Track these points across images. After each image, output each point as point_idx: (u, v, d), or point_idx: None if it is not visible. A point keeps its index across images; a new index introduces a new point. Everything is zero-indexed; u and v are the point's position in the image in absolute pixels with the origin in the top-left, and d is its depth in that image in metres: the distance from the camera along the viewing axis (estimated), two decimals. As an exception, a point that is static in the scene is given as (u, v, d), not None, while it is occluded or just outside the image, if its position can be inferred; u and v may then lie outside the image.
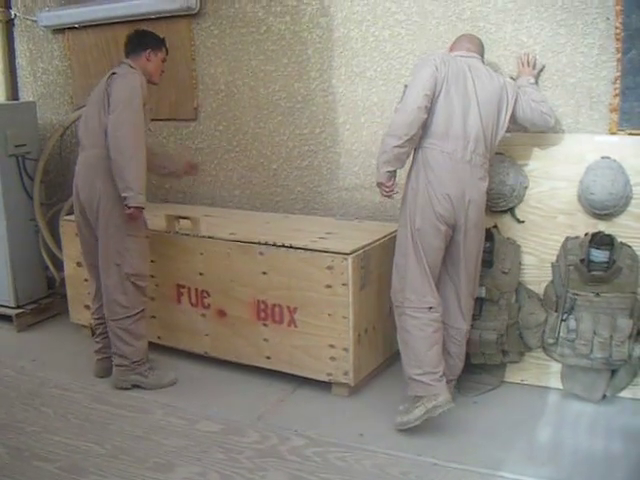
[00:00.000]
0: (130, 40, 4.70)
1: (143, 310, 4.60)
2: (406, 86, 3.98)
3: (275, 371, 4.59)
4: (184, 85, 5.84)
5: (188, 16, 5.72)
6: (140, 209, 4.38)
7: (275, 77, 5.46)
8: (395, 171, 3.96)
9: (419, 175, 3.96)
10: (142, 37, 4.73)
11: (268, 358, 4.58)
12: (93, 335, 4.87)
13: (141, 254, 4.56)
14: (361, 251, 4.30)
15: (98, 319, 4.75)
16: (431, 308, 3.95)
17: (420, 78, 3.88)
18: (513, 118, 4.14)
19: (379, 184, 3.98)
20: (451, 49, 4.27)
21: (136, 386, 4.58)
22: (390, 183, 3.95)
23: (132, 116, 4.35)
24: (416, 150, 3.99)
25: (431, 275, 3.97)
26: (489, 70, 4.13)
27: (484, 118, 3.95)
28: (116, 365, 4.60)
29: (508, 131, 4.28)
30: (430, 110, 3.88)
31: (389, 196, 4.04)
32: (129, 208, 4.31)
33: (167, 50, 4.79)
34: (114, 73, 4.49)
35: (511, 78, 4.42)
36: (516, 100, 4.10)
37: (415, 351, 3.94)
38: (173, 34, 5.74)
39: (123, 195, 4.30)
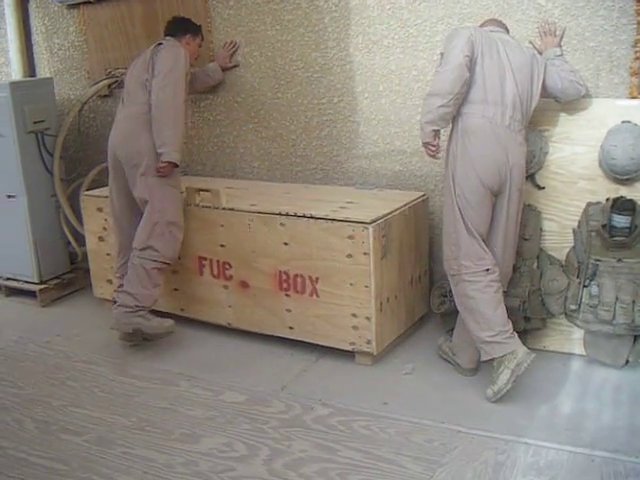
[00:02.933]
0: (172, 24, 5.07)
1: (169, 264, 4.76)
2: (442, 54, 3.99)
3: (298, 341, 4.61)
4: (201, 57, 5.80)
5: (204, -13, 5.68)
6: (173, 165, 4.63)
7: (292, 47, 5.43)
8: (439, 130, 3.97)
9: (460, 142, 3.95)
10: (183, 22, 5.10)
11: (291, 328, 4.60)
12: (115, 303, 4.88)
13: (179, 205, 4.80)
14: (382, 220, 4.29)
15: (121, 277, 4.88)
16: (488, 270, 3.95)
17: (458, 41, 3.85)
18: (544, 88, 4.13)
19: (425, 144, 3.98)
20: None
21: (137, 329, 4.69)
22: (436, 142, 3.96)
23: (174, 81, 4.65)
24: (455, 118, 3.97)
25: (481, 238, 3.98)
26: (518, 43, 4.15)
27: (519, 85, 3.95)
28: (120, 305, 4.67)
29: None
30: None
31: (434, 156, 4.04)
32: (163, 163, 4.57)
33: (203, 37, 5.22)
34: (160, 44, 4.82)
35: (533, 47, 4.40)
36: (545, 70, 4.10)
37: (482, 314, 3.94)
38: (189, 6, 5.76)
39: (159, 151, 4.57)
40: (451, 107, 3.86)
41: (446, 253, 4.08)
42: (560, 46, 4.34)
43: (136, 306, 4.62)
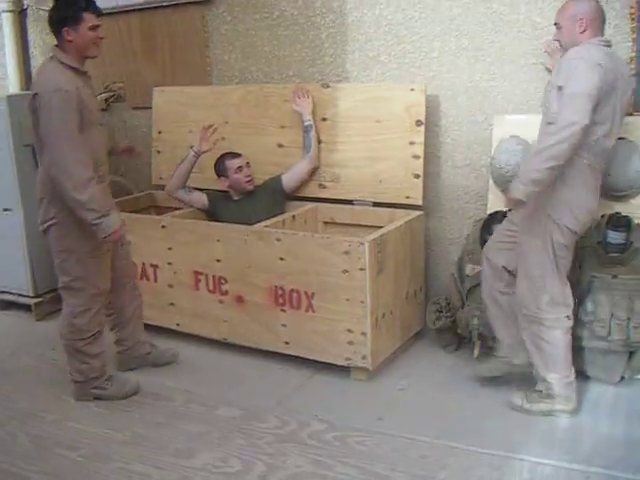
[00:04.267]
0: (48, 22, 4.04)
1: (99, 331, 4.31)
2: (560, 87, 3.58)
3: (293, 356, 4.60)
4: (198, 72, 5.85)
5: (201, 3, 5.73)
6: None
7: (289, 62, 5.46)
8: None
9: (563, 189, 3.72)
10: (52, 17, 4.00)
11: (286, 343, 4.59)
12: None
13: (100, 272, 4.22)
14: (378, 236, 4.30)
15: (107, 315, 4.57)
16: (568, 317, 3.88)
17: (587, 87, 3.50)
18: None
19: (518, 201, 3.64)
20: (586, 28, 3.71)
21: (98, 398, 4.38)
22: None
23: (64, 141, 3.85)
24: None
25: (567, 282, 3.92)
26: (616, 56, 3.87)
27: (620, 120, 3.80)
28: (73, 380, 4.38)
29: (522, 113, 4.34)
30: None
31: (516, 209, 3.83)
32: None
33: (96, 11, 4.01)
34: (36, 94, 3.88)
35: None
36: None
37: (554, 358, 3.88)
38: (186, 21, 5.83)
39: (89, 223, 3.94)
40: (562, 167, 3.62)
41: (524, 292, 3.90)
42: None
43: (88, 379, 4.35)
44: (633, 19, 4.29)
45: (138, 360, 4.71)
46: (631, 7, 4.28)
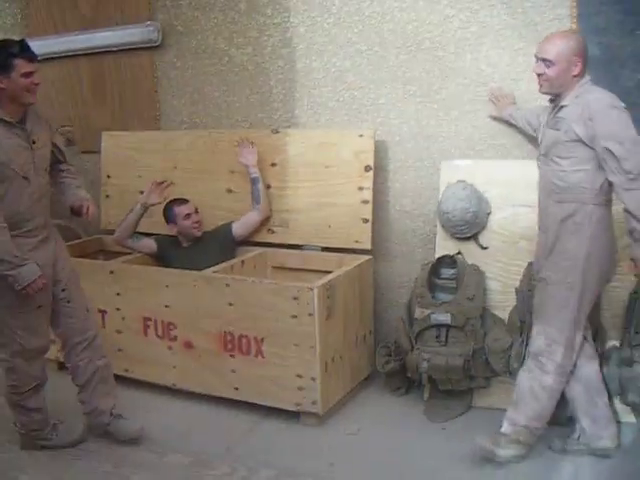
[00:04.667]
0: None
1: (37, 385, 4.11)
2: (621, 143, 3.40)
3: (243, 402, 4.57)
4: (147, 117, 5.85)
5: (150, 48, 5.74)
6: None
7: (238, 108, 5.50)
8: None
9: (598, 236, 3.61)
10: None
11: (236, 389, 4.56)
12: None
13: (26, 330, 3.96)
14: (327, 281, 4.32)
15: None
16: (572, 370, 3.83)
17: (629, 123, 3.48)
18: None
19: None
20: (581, 70, 3.62)
21: (44, 447, 4.27)
22: None
23: None
24: (589, 207, 3.59)
25: None
26: None
27: None
28: (18, 431, 4.26)
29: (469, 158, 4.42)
30: None
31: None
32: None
33: (30, 55, 3.71)
34: None
35: None
36: None
37: (544, 408, 3.81)
38: (135, 67, 5.84)
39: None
40: None
41: (539, 339, 3.80)
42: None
43: (30, 430, 4.23)
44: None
45: (96, 429, 4.37)
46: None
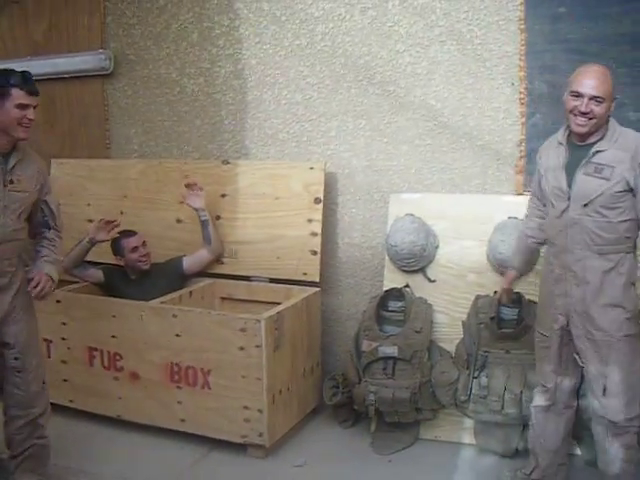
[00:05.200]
0: None
1: None
2: None
3: (190, 434, 4.52)
4: (97, 145, 5.82)
5: (102, 76, 5.73)
6: None
7: (188, 138, 5.51)
8: None
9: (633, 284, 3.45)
10: None
11: (182, 421, 4.51)
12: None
13: None
14: (274, 313, 4.30)
15: None
16: None
17: None
18: None
19: None
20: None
21: None
22: None
23: None
24: (630, 255, 3.41)
25: None
26: None
27: None
28: None
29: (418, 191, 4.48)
30: None
31: None
32: None
33: (30, 88, 3.53)
34: None
35: None
36: None
37: None
38: (87, 94, 5.84)
39: None
40: None
41: (630, 406, 3.42)
42: None
43: None
44: (522, 104, 4.48)
45: None
46: (520, 92, 4.47)
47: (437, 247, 4.57)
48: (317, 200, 4.88)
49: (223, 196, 5.21)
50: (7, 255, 3.63)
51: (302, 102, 5.07)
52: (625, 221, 3.32)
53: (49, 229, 3.87)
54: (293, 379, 4.56)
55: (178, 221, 5.36)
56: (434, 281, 4.57)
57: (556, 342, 3.55)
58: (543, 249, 3.78)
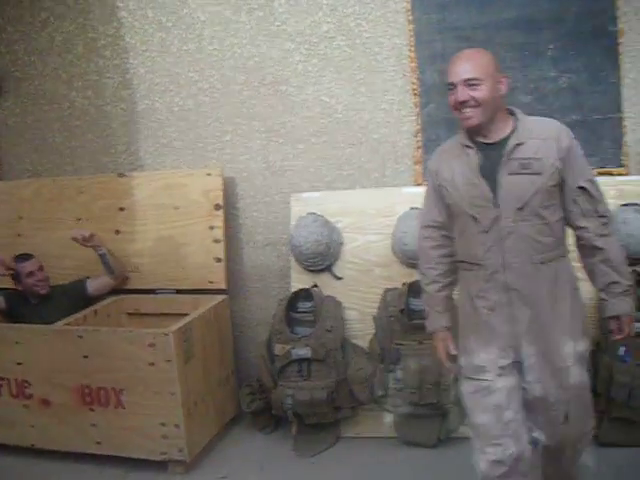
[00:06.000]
0: None
1: None
2: (592, 182, 2.92)
3: (108, 456, 4.41)
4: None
5: (-13, 95, 5.55)
6: None
7: (82, 153, 5.38)
8: None
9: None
10: None
11: (98, 443, 4.39)
12: None
13: None
14: (182, 325, 4.23)
15: None
16: None
17: None
18: None
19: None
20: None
21: None
22: None
23: None
24: (566, 259, 3.03)
25: None
26: None
27: None
28: None
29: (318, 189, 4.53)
30: None
31: None
32: None
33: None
34: None
35: None
36: None
37: None
38: (-29, 116, 5.61)
39: None
40: None
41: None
42: None
43: None
44: (416, 94, 4.50)
45: None
46: (412, 83, 4.48)
47: (341, 244, 4.57)
48: (217, 206, 4.83)
49: (121, 209, 5.11)
50: None
51: (194, 108, 5.01)
52: (559, 220, 2.93)
53: None
54: (208, 390, 4.49)
55: (75, 240, 5.20)
56: (341, 278, 4.56)
57: (506, 382, 2.96)
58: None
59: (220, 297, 4.81)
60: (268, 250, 4.99)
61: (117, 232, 5.10)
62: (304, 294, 4.55)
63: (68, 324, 4.50)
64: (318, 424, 4.40)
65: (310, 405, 4.27)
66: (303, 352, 4.29)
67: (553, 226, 2.89)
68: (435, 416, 4.24)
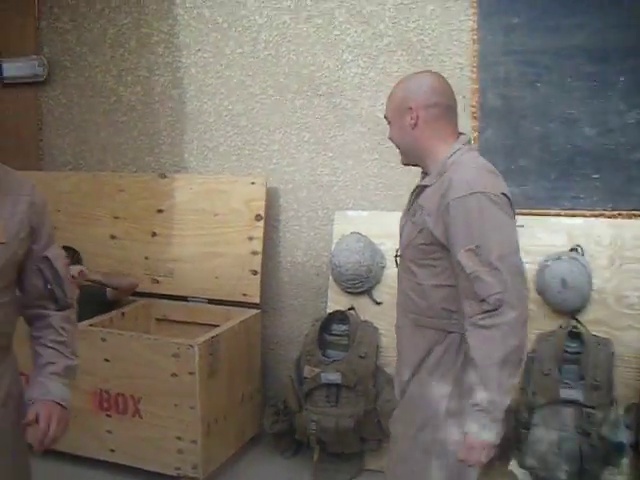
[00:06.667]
0: None
1: None
2: (478, 254, 2.33)
3: (120, 465, 4.28)
4: (29, 156, 5.55)
5: (35, 83, 5.48)
6: None
7: (125, 150, 5.28)
8: None
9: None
10: None
11: (112, 451, 4.26)
12: None
13: None
14: (209, 338, 4.08)
15: None
16: None
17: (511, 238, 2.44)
18: None
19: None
20: (433, 131, 2.55)
21: None
22: None
23: None
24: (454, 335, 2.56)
25: None
26: None
27: None
28: None
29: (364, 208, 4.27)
30: None
31: None
32: None
33: None
34: None
35: None
36: None
37: None
38: (20, 102, 5.57)
39: None
40: None
41: None
42: None
43: None
44: (475, 118, 4.31)
45: None
46: (472, 106, 4.30)
47: (384, 267, 4.38)
48: (258, 217, 4.68)
49: (160, 211, 4.98)
50: None
51: (244, 113, 4.86)
52: (439, 287, 2.48)
53: (55, 305, 2.41)
54: (230, 406, 4.33)
55: (112, 237, 5.11)
56: (380, 303, 4.37)
57: None
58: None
59: (252, 311, 4.66)
60: (307, 267, 4.82)
61: (154, 234, 4.97)
62: (340, 316, 4.37)
63: (92, 325, 4.38)
64: (341, 453, 4.22)
65: (335, 433, 4.09)
66: (333, 377, 4.12)
67: (427, 290, 2.50)
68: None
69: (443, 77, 2.64)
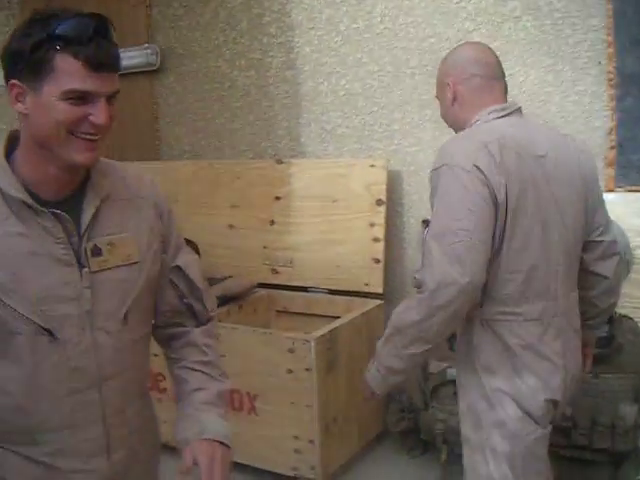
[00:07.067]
0: None
1: None
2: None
3: (235, 463, 4.11)
4: (147, 146, 5.48)
5: (149, 72, 5.42)
6: None
7: (241, 136, 5.15)
8: None
9: None
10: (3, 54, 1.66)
11: (228, 448, 4.11)
12: None
13: None
14: (327, 332, 3.88)
15: None
16: None
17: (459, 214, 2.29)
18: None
19: None
20: (472, 104, 2.53)
21: None
22: None
23: None
24: None
25: None
26: (546, 127, 2.72)
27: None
28: None
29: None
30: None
31: None
32: None
33: (97, 58, 1.58)
34: None
35: None
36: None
37: None
38: (134, 92, 5.50)
39: None
40: None
41: None
42: None
43: None
44: (612, 85, 3.94)
45: None
46: (609, 72, 3.94)
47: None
48: (379, 201, 4.45)
49: (277, 199, 4.82)
50: (112, 409, 1.86)
51: (362, 93, 4.64)
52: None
53: (195, 321, 2.06)
54: (351, 404, 4.10)
55: (230, 227, 4.98)
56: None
57: None
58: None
59: (375, 302, 4.43)
60: (432, 254, 4.55)
61: (272, 222, 4.81)
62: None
63: (207, 319, 4.22)
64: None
65: (463, 433, 3.81)
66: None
67: None
68: (606, 464, 3.64)
69: (483, 46, 2.60)
